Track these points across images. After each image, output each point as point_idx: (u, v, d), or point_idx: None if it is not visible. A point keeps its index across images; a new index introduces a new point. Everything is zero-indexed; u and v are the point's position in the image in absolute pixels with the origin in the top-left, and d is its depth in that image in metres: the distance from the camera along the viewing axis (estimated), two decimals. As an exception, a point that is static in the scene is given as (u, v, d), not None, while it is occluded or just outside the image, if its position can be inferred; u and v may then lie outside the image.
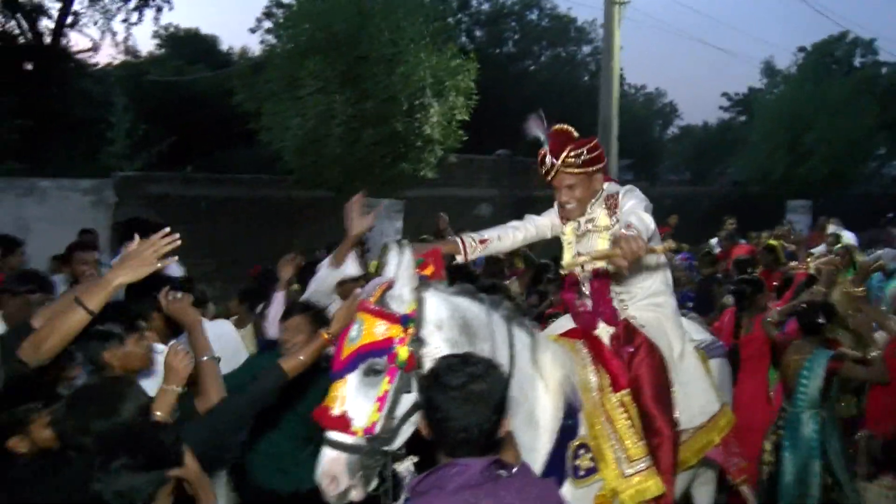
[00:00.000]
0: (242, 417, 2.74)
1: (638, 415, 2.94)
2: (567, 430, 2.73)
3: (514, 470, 1.93)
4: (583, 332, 3.21)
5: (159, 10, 14.33)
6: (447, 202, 13.44)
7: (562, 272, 3.44)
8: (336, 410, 2.33)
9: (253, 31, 21.49)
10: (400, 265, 2.45)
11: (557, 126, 3.10)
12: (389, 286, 2.44)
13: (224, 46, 25.78)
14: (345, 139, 9.39)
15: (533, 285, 6.72)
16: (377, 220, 10.97)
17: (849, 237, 9.68)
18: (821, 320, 4.51)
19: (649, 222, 2.75)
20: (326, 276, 3.82)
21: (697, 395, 3.24)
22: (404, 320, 2.38)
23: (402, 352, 2.34)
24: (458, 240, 3.23)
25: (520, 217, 3.43)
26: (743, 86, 37.32)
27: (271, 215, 11.36)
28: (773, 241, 8.14)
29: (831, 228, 10.10)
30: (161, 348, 2.97)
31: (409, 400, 2.35)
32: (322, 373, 2.63)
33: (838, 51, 29.85)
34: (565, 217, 3.22)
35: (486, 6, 29.55)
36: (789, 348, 4.57)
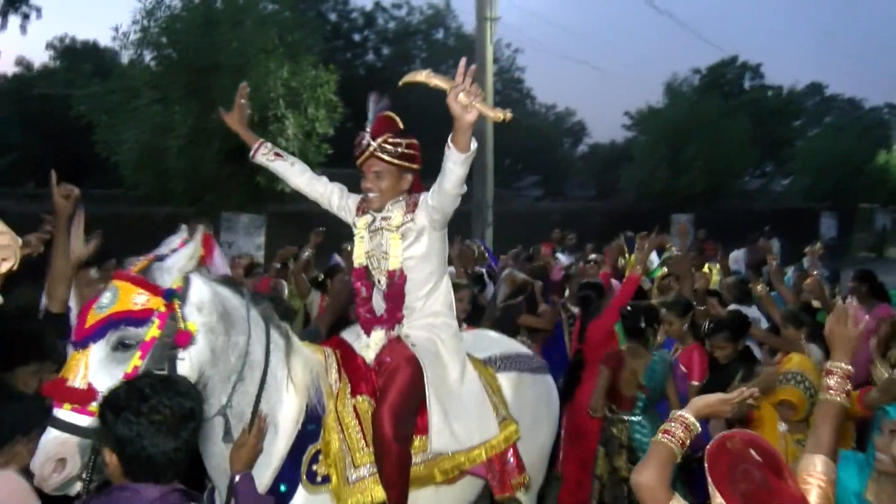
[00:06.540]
0: None
1: (371, 423, 2.81)
2: (308, 434, 2.69)
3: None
4: (336, 341, 3.13)
5: (26, 17, 13.62)
6: (316, 217, 13.10)
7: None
8: (76, 382, 2.11)
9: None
10: (185, 244, 2.36)
11: (386, 112, 3.03)
12: (158, 259, 2.33)
13: (125, 59, 24.85)
14: (186, 152, 8.97)
15: None
16: (235, 236, 10.73)
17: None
18: (642, 324, 4.42)
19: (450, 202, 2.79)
20: None
21: (473, 418, 3.04)
22: (168, 294, 2.25)
23: (163, 325, 2.20)
24: (260, 140, 3.22)
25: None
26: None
27: (125, 233, 10.77)
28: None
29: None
30: None
31: None
32: None
33: (729, 73, 31.38)
34: (366, 207, 3.07)
35: (392, 24, 29.59)
36: (625, 354, 4.42)
